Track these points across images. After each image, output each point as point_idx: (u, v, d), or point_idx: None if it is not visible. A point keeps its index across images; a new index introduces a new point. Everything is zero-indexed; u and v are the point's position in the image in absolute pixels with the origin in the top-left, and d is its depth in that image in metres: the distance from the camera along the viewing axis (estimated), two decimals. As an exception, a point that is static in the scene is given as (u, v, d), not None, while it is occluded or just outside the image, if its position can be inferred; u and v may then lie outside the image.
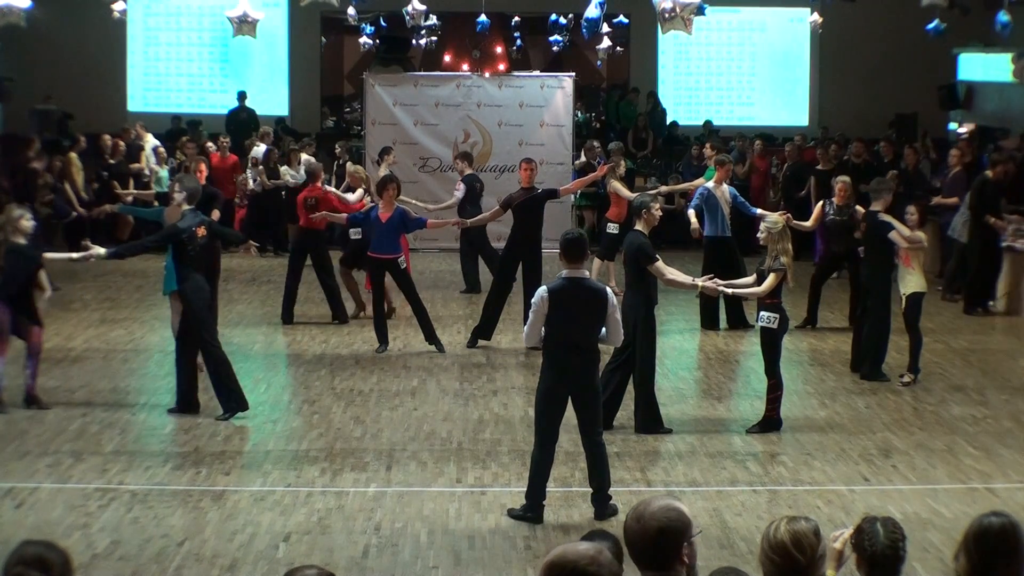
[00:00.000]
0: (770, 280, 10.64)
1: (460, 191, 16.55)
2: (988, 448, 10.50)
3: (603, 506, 8.76)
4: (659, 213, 10.75)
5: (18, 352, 11.93)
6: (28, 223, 11.21)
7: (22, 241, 11.15)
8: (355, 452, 10.15)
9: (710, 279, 10.92)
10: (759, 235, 10.96)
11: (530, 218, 13.98)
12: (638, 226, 10.61)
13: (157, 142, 21.19)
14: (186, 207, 11.25)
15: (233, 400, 11.05)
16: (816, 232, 19.67)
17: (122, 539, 8.22)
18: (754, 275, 11.05)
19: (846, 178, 14.63)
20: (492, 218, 14.80)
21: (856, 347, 13.02)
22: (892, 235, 12.23)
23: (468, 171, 16.97)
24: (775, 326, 10.72)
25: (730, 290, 11.08)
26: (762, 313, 10.79)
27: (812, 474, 9.79)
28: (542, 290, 8.60)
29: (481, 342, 13.93)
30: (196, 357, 11.23)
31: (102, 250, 11.31)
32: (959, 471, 9.91)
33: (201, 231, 11.18)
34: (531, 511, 8.65)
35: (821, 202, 14.68)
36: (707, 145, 19.03)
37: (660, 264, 10.50)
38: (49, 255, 11.98)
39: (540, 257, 14.06)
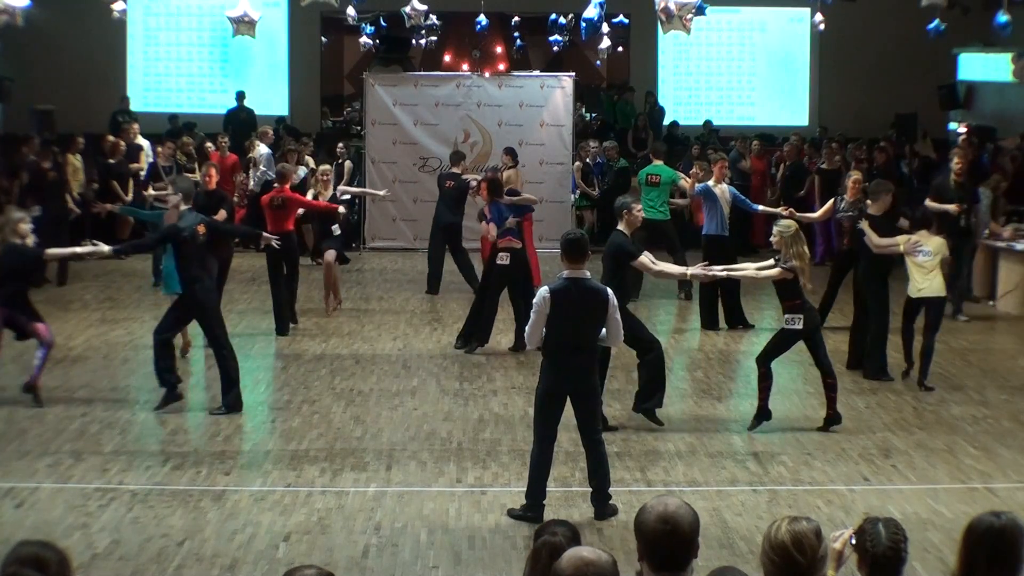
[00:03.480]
0: (774, 271, 10.65)
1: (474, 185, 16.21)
2: (988, 448, 10.50)
3: (603, 506, 8.76)
4: (641, 214, 10.89)
5: (18, 351, 11.95)
6: (26, 226, 11.21)
7: (19, 242, 11.14)
8: (355, 452, 10.15)
9: (703, 266, 10.97)
10: (772, 239, 10.95)
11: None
12: (620, 226, 10.74)
13: (147, 143, 21.06)
14: (184, 207, 11.30)
15: (232, 398, 11.16)
16: (818, 232, 19.65)
17: (122, 539, 8.21)
18: (771, 260, 10.99)
19: (858, 174, 14.60)
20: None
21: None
22: (866, 239, 12.36)
23: (455, 170, 17.05)
24: (799, 327, 10.71)
25: (724, 273, 11.16)
26: (787, 315, 10.80)
27: (812, 474, 9.79)
28: (543, 290, 8.60)
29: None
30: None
31: (106, 248, 11.39)
32: (959, 471, 9.91)
33: (202, 229, 11.23)
34: (531, 511, 8.65)
35: (833, 199, 14.65)
36: (650, 152, 17.62)
37: (643, 259, 10.55)
38: (52, 251, 12.02)
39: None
